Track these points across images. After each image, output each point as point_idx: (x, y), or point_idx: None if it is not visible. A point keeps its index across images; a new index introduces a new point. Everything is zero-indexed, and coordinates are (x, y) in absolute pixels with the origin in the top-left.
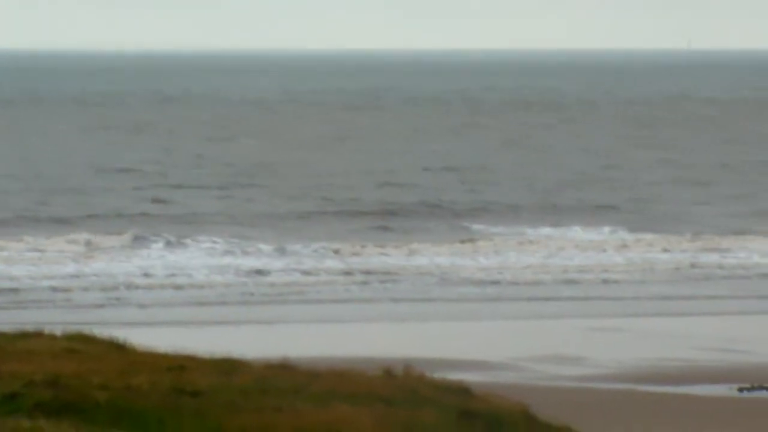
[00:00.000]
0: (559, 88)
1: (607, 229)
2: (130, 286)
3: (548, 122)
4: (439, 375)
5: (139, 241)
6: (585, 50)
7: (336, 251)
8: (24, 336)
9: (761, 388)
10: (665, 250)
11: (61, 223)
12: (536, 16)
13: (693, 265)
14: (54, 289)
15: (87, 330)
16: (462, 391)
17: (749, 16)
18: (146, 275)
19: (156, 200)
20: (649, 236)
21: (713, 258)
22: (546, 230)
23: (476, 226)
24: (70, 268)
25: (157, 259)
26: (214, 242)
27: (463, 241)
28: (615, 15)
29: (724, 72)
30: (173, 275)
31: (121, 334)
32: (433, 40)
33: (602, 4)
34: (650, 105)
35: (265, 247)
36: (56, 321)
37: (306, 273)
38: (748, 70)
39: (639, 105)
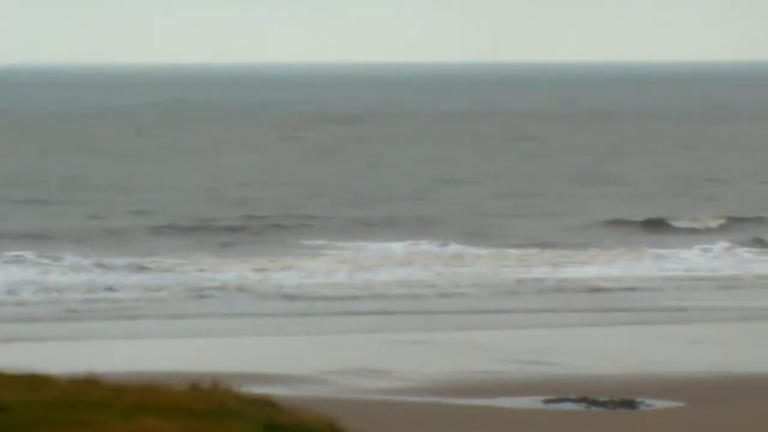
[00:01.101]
0: (365, 105)
1: (421, 242)
2: None
3: (357, 135)
4: (246, 389)
5: None
6: (384, 64)
7: (147, 267)
8: None
9: (566, 399)
10: (477, 264)
11: None
12: (343, 30)
13: (503, 279)
14: None
15: None
16: (268, 404)
17: (550, 29)
18: None
19: None
20: (461, 249)
21: (525, 271)
22: (363, 244)
23: (293, 240)
24: None
25: None
26: (23, 257)
27: (276, 256)
28: (415, 28)
29: (531, 84)
30: None
31: None
32: (248, 54)
33: (406, 17)
34: (461, 118)
35: (78, 262)
36: None
37: (116, 289)
38: (556, 83)
39: (448, 118)
